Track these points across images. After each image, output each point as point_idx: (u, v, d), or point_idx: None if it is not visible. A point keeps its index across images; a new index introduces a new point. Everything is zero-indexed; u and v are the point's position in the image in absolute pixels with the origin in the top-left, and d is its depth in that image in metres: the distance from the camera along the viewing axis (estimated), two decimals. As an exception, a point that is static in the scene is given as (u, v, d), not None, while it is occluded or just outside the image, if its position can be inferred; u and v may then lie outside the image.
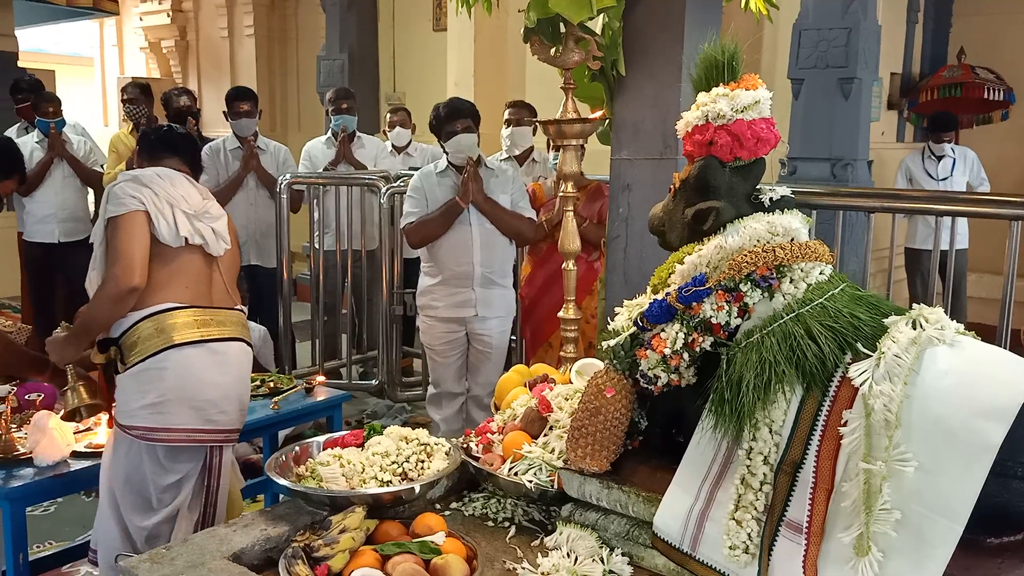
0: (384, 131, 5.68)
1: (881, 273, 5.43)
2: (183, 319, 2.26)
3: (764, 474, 1.37)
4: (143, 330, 2.27)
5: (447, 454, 1.79)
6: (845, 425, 1.29)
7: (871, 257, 3.63)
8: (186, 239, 2.33)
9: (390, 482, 1.67)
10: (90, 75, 11.40)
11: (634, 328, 1.56)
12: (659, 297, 1.53)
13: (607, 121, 2.77)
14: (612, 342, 1.59)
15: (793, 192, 1.60)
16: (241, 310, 2.47)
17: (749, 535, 1.36)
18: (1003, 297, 3.11)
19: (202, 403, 2.29)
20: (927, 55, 7.19)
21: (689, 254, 1.54)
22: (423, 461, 1.74)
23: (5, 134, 5.60)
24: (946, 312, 1.38)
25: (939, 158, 6.02)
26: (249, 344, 2.46)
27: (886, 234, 3.66)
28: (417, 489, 1.65)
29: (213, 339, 2.28)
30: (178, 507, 2.33)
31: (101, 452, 2.53)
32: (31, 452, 2.47)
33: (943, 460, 1.20)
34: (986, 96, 6.55)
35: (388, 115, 5.60)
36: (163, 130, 2.64)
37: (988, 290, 5.97)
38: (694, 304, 1.46)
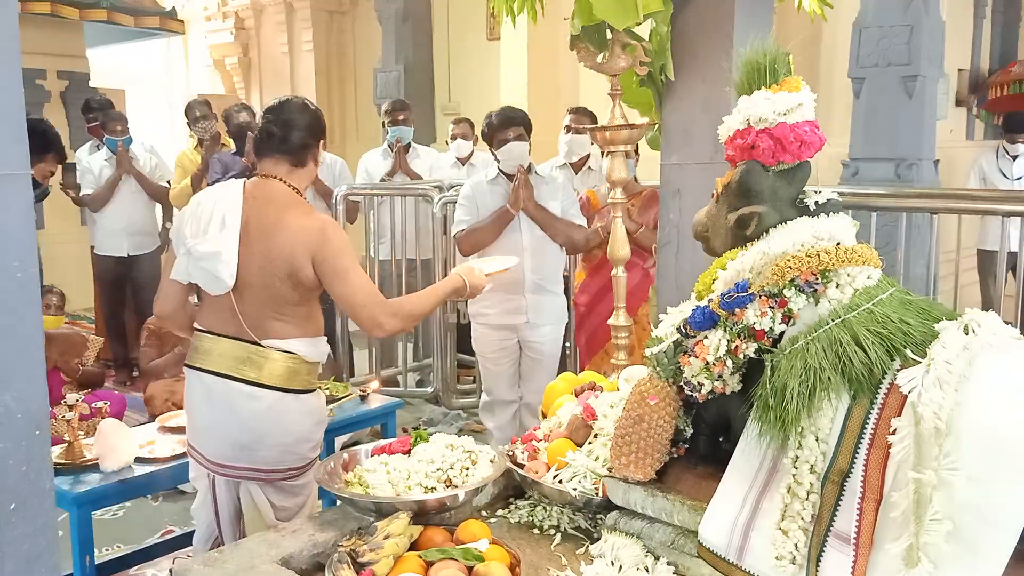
0: (447, 141, 5.74)
1: (951, 276, 5.26)
2: (201, 342, 2.27)
3: (811, 483, 1.34)
4: None
5: (492, 461, 1.79)
6: (894, 433, 1.26)
7: (940, 260, 3.51)
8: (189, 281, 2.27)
9: (435, 489, 1.69)
10: (158, 93, 11.79)
11: (677, 335, 1.55)
12: (702, 304, 1.51)
13: (656, 126, 2.75)
14: (655, 349, 1.58)
15: (852, 194, 1.57)
16: (262, 345, 2.19)
17: (796, 545, 1.34)
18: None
19: (193, 422, 2.32)
20: (996, 51, 6.97)
21: (732, 260, 1.52)
22: (468, 468, 1.75)
23: (77, 152, 5.86)
24: (1020, 316, 1.33)
25: (1014, 157, 5.83)
26: (257, 384, 2.19)
27: (956, 236, 3.53)
28: (461, 496, 1.66)
29: (201, 368, 2.25)
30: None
31: (162, 459, 2.66)
32: (97, 459, 2.58)
33: (995, 469, 1.16)
34: (1059, 91, 6.32)
35: (451, 127, 5.65)
36: (274, 122, 2.27)
37: (1066, 292, 5.72)
38: (737, 310, 1.44)
